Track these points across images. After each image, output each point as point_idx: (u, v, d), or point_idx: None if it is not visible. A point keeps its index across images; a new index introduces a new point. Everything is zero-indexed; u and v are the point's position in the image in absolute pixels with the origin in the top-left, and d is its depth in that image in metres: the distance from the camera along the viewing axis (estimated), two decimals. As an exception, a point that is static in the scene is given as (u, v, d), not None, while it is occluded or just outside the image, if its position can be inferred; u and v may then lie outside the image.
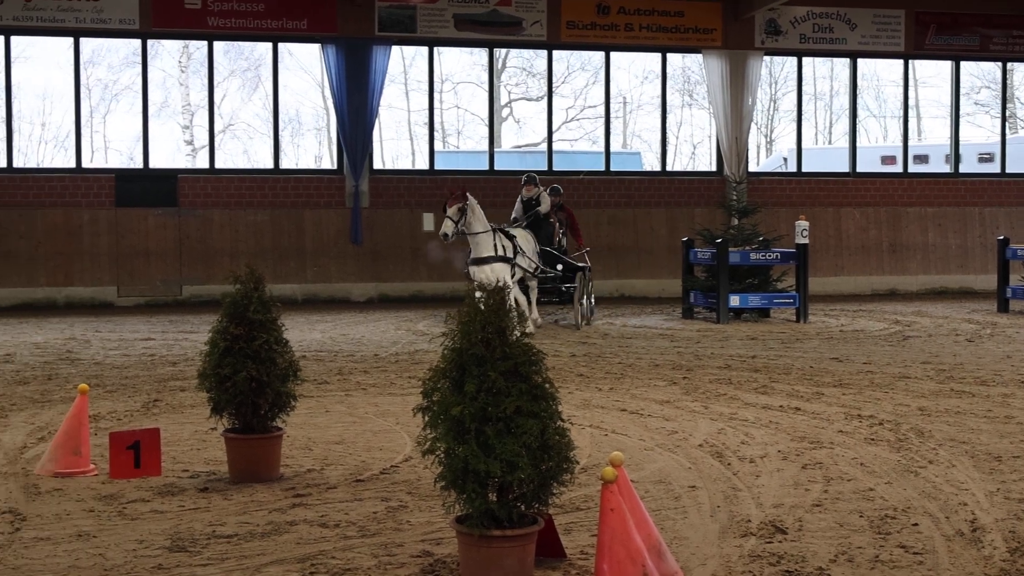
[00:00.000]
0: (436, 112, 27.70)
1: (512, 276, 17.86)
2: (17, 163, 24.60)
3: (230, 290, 8.98)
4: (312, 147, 31.40)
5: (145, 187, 24.02)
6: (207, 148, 25.43)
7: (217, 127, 25.93)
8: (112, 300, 23.72)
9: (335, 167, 25.55)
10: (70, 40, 24.06)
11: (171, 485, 8.72)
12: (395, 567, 6.71)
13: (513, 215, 20.11)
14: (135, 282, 23.94)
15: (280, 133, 25.78)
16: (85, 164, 24.66)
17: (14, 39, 23.97)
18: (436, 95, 27.39)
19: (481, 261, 17.65)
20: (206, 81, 25.28)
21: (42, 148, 29.94)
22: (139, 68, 24.91)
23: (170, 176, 24.47)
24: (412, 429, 10.50)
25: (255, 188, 24.67)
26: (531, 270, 18.76)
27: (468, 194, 17.78)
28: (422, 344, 17.38)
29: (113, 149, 30.10)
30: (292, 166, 26.72)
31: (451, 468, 6.23)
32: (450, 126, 40.72)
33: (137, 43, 24.74)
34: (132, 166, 26.07)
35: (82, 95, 24.77)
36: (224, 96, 27.06)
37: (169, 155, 28.69)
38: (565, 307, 21.23)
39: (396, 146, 35.71)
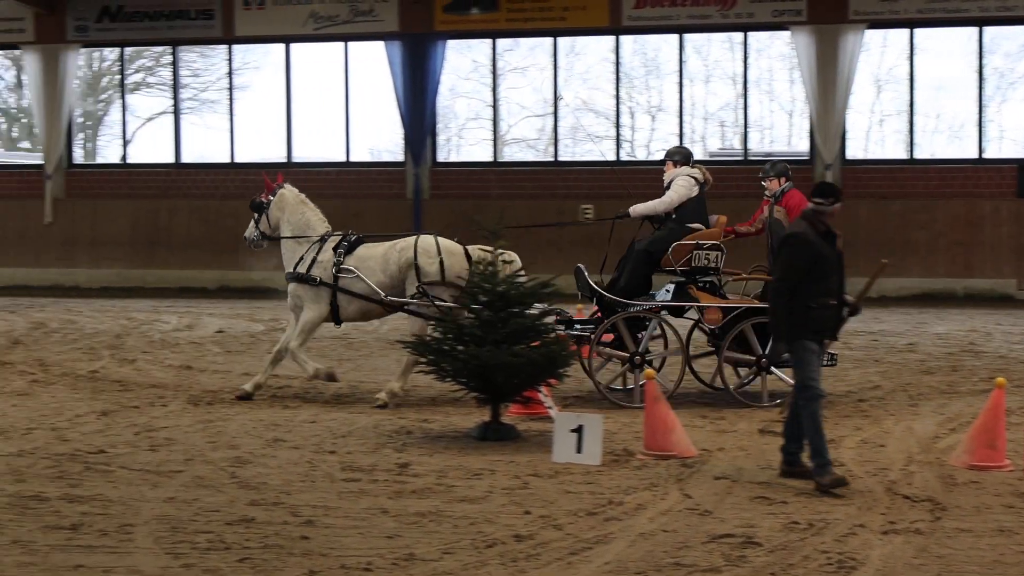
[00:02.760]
0: None
1: (334, 307, 12.30)
2: (917, 155, 24.83)
3: None
4: None
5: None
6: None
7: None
8: (1011, 293, 23.22)
9: None
10: (973, 30, 23.90)
11: None
12: None
13: None
14: (1035, 274, 23.30)
15: None
16: (986, 155, 24.38)
17: (916, 31, 24.21)
18: None
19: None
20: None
21: (936, 139, 30.10)
22: (1042, 55, 24.22)
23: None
24: None
25: None
26: (377, 298, 12.19)
27: (285, 184, 12.91)
28: None
29: (1008, 139, 29.52)
30: None
31: None
32: None
33: (1041, 29, 24.05)
34: (1033, 156, 25.30)
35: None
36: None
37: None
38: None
39: None
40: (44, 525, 7.37)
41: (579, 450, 9.29)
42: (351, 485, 8.48)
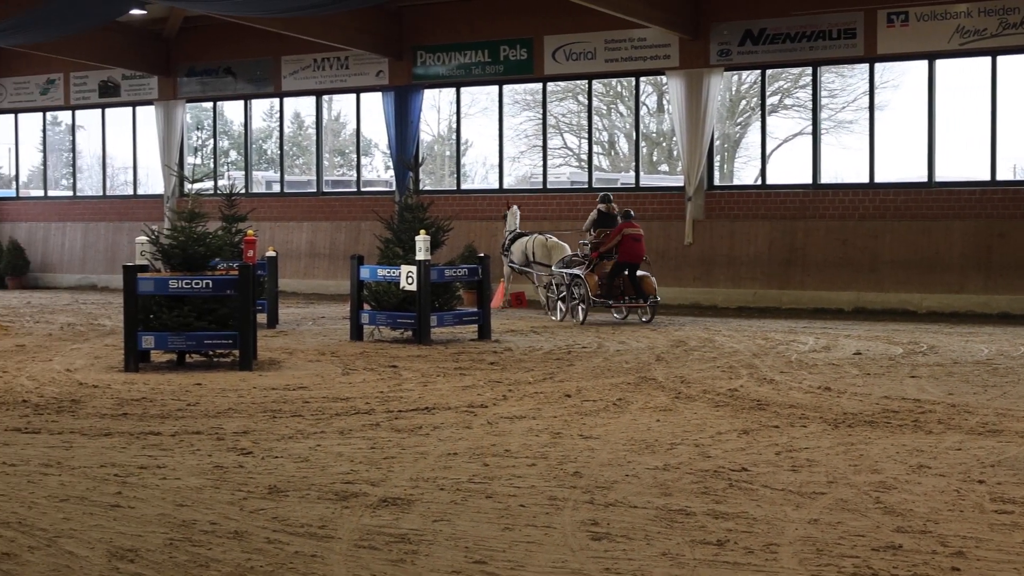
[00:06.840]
0: None
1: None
2: None
3: None
4: None
5: None
6: None
7: None
8: None
9: None
10: None
11: None
12: None
13: None
14: None
15: None
16: None
17: None
18: None
19: None
20: None
21: None
22: None
23: None
24: None
25: None
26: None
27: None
28: None
29: None
30: None
31: None
32: None
33: None
34: None
35: None
36: None
37: None
38: None
39: None
40: (691, 539, 7.48)
41: None
42: (1003, 517, 8.01)
